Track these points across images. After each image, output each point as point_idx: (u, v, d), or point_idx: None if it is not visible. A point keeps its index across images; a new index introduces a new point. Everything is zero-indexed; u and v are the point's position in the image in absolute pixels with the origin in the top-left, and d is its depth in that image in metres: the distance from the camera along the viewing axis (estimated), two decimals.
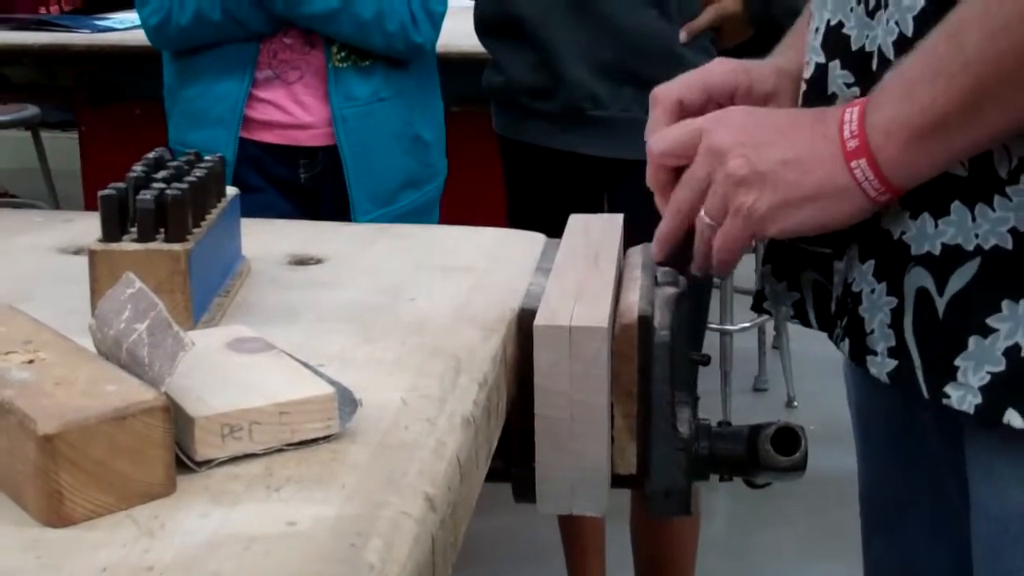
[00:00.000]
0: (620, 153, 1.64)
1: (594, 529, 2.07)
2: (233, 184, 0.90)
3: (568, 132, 1.68)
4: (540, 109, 1.69)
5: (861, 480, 1.03)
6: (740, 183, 0.76)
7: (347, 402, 0.61)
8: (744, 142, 0.77)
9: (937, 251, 0.76)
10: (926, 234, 0.76)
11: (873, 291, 0.79)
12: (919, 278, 0.77)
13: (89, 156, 2.90)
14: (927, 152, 0.73)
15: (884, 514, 1.00)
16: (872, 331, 0.79)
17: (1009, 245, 0.74)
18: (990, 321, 0.75)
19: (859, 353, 0.80)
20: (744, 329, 3.04)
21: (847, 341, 0.82)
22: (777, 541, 2.52)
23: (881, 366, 0.78)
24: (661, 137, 0.82)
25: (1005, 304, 0.75)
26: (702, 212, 0.79)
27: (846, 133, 0.75)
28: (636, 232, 0.95)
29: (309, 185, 1.66)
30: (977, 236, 0.75)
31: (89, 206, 2.68)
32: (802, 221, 0.76)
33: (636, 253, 0.89)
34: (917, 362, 0.77)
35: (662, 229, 0.82)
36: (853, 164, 0.74)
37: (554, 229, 0.97)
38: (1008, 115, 0.71)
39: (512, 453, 0.79)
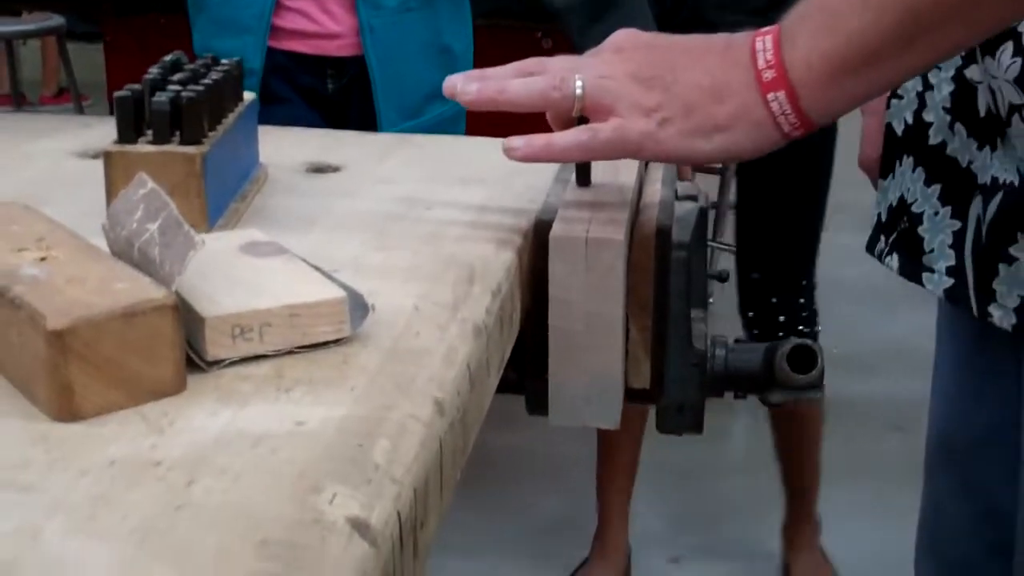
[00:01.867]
0: None
1: (631, 443, 2.10)
2: (261, 94, 0.89)
3: None
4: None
5: (935, 415, 1.03)
6: (649, 101, 0.72)
7: (359, 307, 0.61)
8: (655, 61, 0.72)
9: (988, 181, 0.76)
10: (986, 165, 0.76)
11: (937, 213, 0.79)
12: (978, 206, 0.77)
13: (113, 66, 2.89)
14: (849, 86, 0.70)
15: (955, 451, 0.99)
16: (932, 250, 0.79)
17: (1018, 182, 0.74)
18: (1012, 250, 0.75)
19: (912, 270, 0.80)
20: None
21: (896, 256, 0.82)
22: None
23: (938, 283, 0.79)
24: (549, 60, 0.76)
25: (1019, 235, 0.75)
26: (576, 77, 0.72)
27: (760, 63, 0.70)
28: None
29: (336, 96, 1.65)
30: (1006, 170, 0.75)
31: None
32: (712, 149, 0.73)
33: (657, 166, 0.88)
34: (971, 282, 0.77)
35: (515, 83, 0.75)
36: (770, 96, 0.70)
37: None
38: (938, 48, 0.68)
39: (526, 365, 0.79)
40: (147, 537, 0.44)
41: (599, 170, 0.86)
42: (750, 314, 1.98)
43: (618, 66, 0.73)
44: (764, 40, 0.71)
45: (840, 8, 0.69)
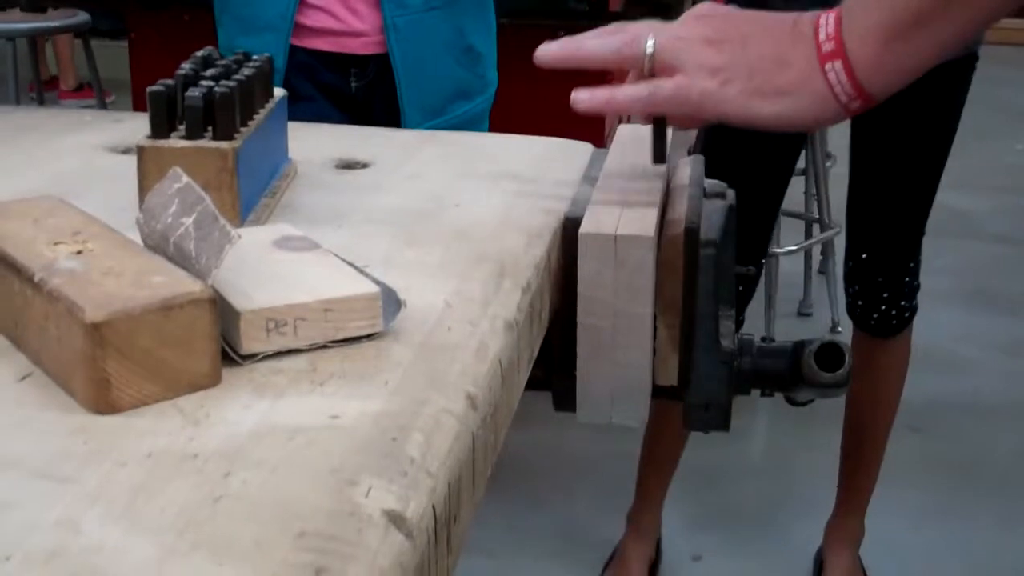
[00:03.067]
0: None
1: (674, 445, 2.11)
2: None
3: None
4: None
5: None
6: (716, 65, 0.76)
7: (391, 302, 0.61)
8: (725, 30, 0.77)
9: None
10: None
11: None
12: None
13: (138, 62, 2.90)
14: (901, 53, 0.75)
15: None
16: None
17: None
18: None
19: None
20: (790, 252, 3.01)
21: None
22: (815, 464, 2.52)
23: None
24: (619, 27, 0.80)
25: None
26: (649, 37, 0.77)
27: (821, 36, 0.76)
28: None
29: (359, 95, 1.65)
30: None
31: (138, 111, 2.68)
32: (771, 114, 0.77)
33: (685, 165, 0.88)
34: None
35: (589, 41, 0.80)
36: (827, 66, 0.75)
37: None
38: (968, 14, 0.74)
39: (553, 362, 0.79)
40: (186, 528, 0.44)
41: (626, 167, 0.86)
42: (855, 287, 1.98)
43: (693, 29, 0.78)
44: (827, 17, 0.76)
45: None
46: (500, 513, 2.18)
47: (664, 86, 0.77)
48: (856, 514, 2.15)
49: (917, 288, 2.00)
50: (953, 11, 0.73)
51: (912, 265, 1.97)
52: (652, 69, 0.77)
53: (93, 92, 4.48)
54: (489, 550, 2.08)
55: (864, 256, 1.97)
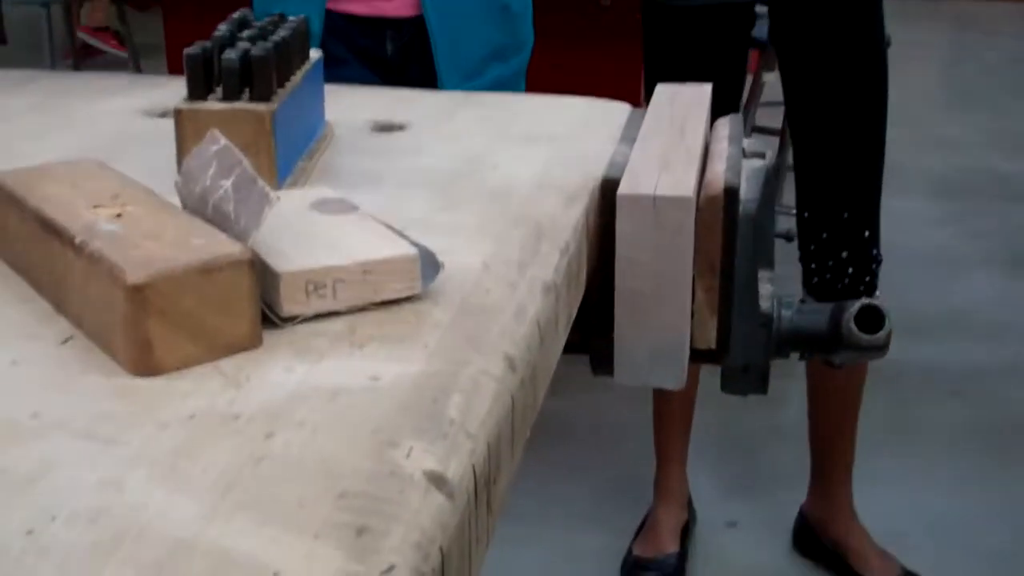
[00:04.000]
0: None
1: (684, 407, 2.10)
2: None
3: None
4: None
5: None
6: None
7: (430, 264, 0.61)
8: None
9: None
10: None
11: None
12: None
13: (172, 27, 2.90)
14: None
15: None
16: None
17: None
18: None
19: None
20: None
21: None
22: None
23: None
24: None
25: None
26: None
27: None
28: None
29: (395, 58, 1.65)
30: None
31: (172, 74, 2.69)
32: None
33: (724, 124, 0.87)
34: None
35: None
36: None
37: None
38: None
39: (591, 325, 0.79)
40: (229, 488, 0.44)
41: (664, 127, 0.85)
42: (812, 265, 1.90)
43: None
44: None
45: None
46: (533, 478, 2.18)
47: None
48: (842, 485, 2.10)
49: (876, 259, 1.89)
50: None
51: (867, 234, 1.86)
52: None
53: (116, 41, 4.50)
54: (517, 516, 2.09)
55: (806, 215, 1.88)
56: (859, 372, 2.05)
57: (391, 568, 0.41)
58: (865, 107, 1.84)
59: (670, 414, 2.12)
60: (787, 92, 1.90)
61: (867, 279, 1.89)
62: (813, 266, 1.90)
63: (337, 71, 1.55)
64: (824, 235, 1.87)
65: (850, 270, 1.87)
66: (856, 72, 1.82)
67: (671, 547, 2.11)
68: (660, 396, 2.11)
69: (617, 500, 2.28)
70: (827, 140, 1.85)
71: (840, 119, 1.84)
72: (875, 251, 1.89)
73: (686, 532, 2.15)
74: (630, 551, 2.12)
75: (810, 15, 1.80)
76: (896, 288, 3.07)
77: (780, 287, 0.86)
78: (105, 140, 0.87)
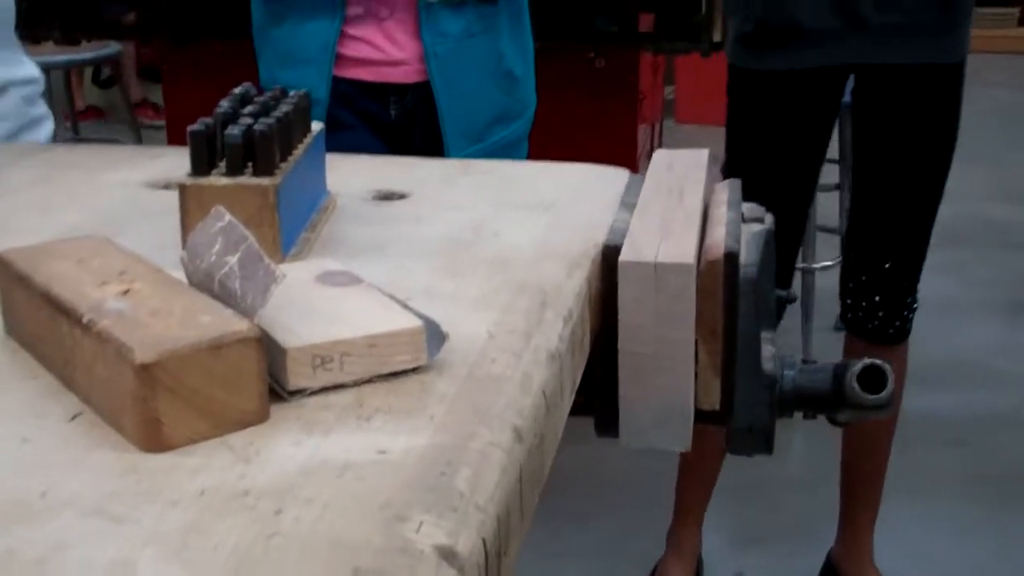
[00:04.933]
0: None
1: (712, 465, 2.11)
2: (325, 122, 0.90)
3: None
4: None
5: None
6: None
7: (435, 335, 0.62)
8: None
9: None
10: None
11: None
12: None
13: (171, 98, 2.93)
14: None
15: None
16: None
17: None
18: None
19: None
20: (826, 268, 3.01)
21: None
22: None
23: None
24: None
25: None
26: None
27: None
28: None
29: (399, 122, 1.67)
30: None
31: (172, 144, 2.72)
32: None
33: (723, 189, 0.88)
34: None
35: None
36: None
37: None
38: None
39: (595, 388, 0.79)
40: (240, 566, 0.44)
41: (663, 192, 0.86)
42: (848, 301, 2.00)
43: None
44: None
45: None
46: (539, 530, 2.17)
47: None
48: (867, 531, 2.13)
49: (910, 306, 1.99)
50: None
51: (905, 285, 1.97)
52: None
53: (154, 111, 4.63)
54: (528, 571, 2.08)
55: (851, 256, 1.99)
56: (891, 418, 2.09)
57: None
58: (931, 174, 1.94)
59: (697, 470, 2.13)
60: (857, 148, 1.96)
61: (897, 324, 1.99)
62: (849, 301, 2.01)
63: (342, 136, 1.57)
64: (863, 278, 1.97)
65: (880, 313, 1.97)
66: (930, 140, 1.91)
67: None
68: (689, 453, 2.12)
69: (626, 551, 2.27)
70: (887, 196, 1.95)
71: (904, 182, 1.94)
72: (910, 299, 1.98)
73: None
74: None
75: (897, 81, 1.86)
76: None
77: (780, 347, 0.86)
78: (108, 213, 0.88)
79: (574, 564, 2.26)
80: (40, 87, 1.28)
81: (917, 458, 2.60)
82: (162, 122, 4.59)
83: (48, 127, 1.29)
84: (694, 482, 2.13)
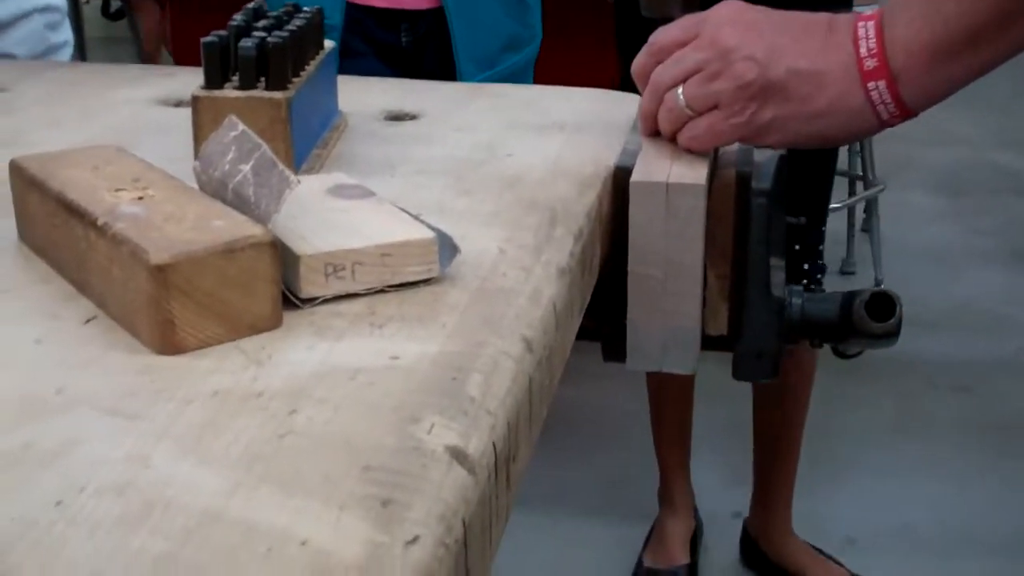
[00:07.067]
0: None
1: (683, 400, 2.11)
2: (339, 49, 0.90)
3: None
4: None
5: None
6: (745, 88, 0.73)
7: (447, 247, 0.62)
8: (754, 43, 0.73)
9: None
10: None
11: None
12: None
13: (177, 22, 2.91)
14: (948, 71, 0.71)
15: None
16: None
17: None
18: None
19: None
20: (833, 210, 2.99)
21: None
22: (860, 422, 2.52)
23: None
24: (663, 31, 0.78)
25: None
26: (678, 91, 0.75)
27: (863, 50, 0.71)
28: None
29: (410, 49, 1.66)
30: None
31: None
32: (808, 135, 0.74)
33: None
34: None
35: (643, 106, 0.79)
36: (871, 85, 0.71)
37: None
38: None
39: (603, 311, 0.80)
40: (253, 462, 0.45)
41: None
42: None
43: (720, 43, 0.74)
44: (867, 26, 0.72)
45: None
46: (544, 465, 2.19)
47: (697, 127, 0.76)
48: (782, 495, 2.08)
49: (822, 267, 1.92)
50: (1012, 31, 0.69)
51: (824, 228, 1.89)
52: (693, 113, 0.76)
53: None
54: (528, 504, 2.10)
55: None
56: (807, 374, 2.03)
57: (416, 539, 0.41)
58: None
59: (670, 423, 2.12)
60: None
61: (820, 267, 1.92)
62: None
63: (354, 63, 1.56)
64: (796, 247, 1.88)
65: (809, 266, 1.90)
66: None
67: (682, 559, 2.11)
68: (657, 408, 2.12)
69: (628, 491, 2.29)
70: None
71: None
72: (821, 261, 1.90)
73: (695, 541, 2.15)
74: (640, 562, 2.12)
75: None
76: (899, 283, 3.07)
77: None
78: (120, 128, 0.88)
79: (575, 500, 2.28)
80: (62, 14, 1.29)
81: (921, 404, 2.61)
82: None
83: (67, 53, 1.30)
84: (671, 436, 2.12)
